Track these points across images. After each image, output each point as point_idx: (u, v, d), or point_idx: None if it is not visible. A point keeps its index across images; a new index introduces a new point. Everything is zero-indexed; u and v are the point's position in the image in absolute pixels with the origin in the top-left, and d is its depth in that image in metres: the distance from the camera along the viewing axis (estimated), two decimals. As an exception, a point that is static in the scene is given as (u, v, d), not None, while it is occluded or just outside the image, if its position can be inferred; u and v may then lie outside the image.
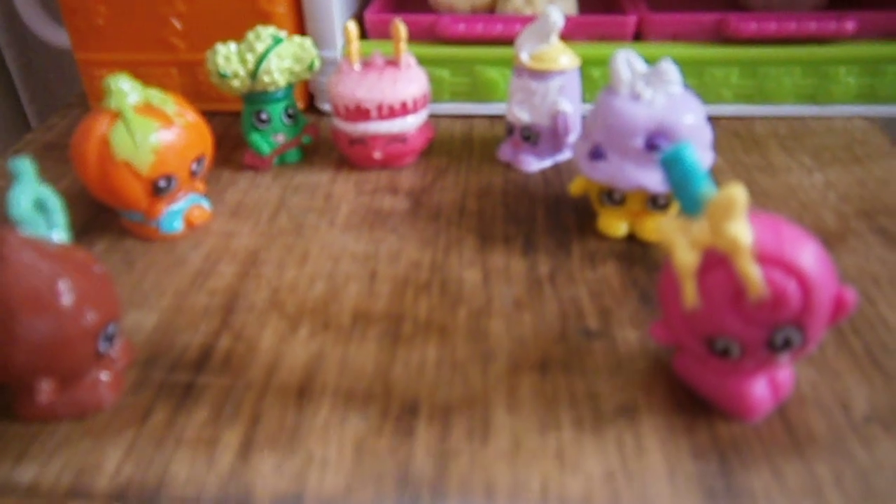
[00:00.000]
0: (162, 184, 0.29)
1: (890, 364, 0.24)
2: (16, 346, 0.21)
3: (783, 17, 0.38)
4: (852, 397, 0.23)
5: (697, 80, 0.39)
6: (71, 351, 0.21)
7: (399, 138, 0.35)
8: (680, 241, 0.20)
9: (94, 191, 0.29)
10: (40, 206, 0.22)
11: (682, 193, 0.21)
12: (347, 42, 0.34)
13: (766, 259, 0.19)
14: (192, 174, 0.30)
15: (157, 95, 0.29)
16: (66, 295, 0.21)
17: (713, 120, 0.39)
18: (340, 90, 0.34)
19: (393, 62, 0.35)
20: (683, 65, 0.38)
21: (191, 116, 0.30)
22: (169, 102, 0.29)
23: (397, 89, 0.33)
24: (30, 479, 0.21)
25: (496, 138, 0.38)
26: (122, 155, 0.28)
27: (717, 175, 0.34)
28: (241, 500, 0.20)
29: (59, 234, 0.22)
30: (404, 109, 0.34)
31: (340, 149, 0.36)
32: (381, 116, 0.34)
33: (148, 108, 0.29)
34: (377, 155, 0.35)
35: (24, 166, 0.22)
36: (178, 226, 0.31)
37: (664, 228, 0.21)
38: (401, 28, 0.34)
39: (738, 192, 0.19)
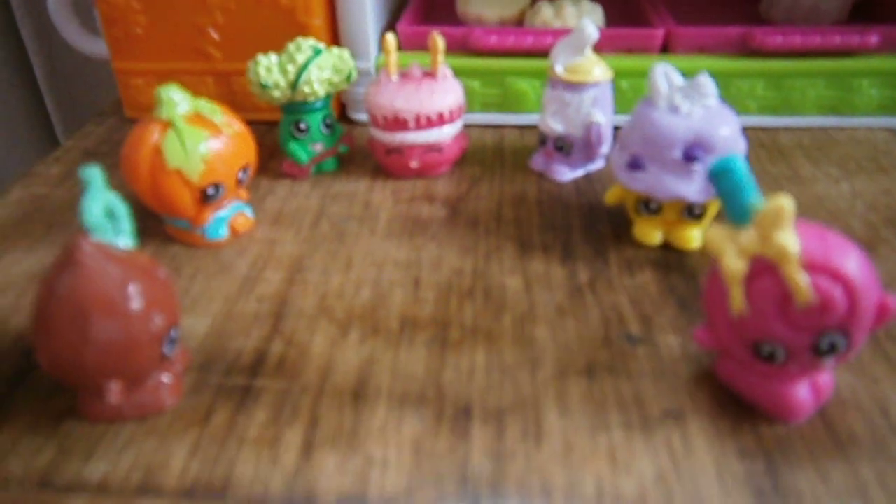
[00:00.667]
0: (210, 191, 0.30)
1: (925, 369, 0.25)
2: (88, 348, 0.21)
3: (808, 30, 0.38)
4: (890, 401, 0.23)
5: (723, 91, 0.39)
6: (139, 353, 0.22)
7: (435, 148, 0.36)
8: (729, 248, 0.21)
9: (145, 198, 0.30)
10: (109, 213, 0.23)
11: (731, 203, 0.21)
12: (385, 53, 0.35)
13: (813, 266, 0.20)
14: (239, 182, 0.31)
15: (205, 105, 0.30)
16: (135, 299, 0.22)
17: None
18: (379, 100, 0.35)
19: (430, 73, 0.35)
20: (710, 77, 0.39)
21: (237, 126, 0.31)
22: (217, 112, 0.30)
23: (434, 100, 0.34)
24: (100, 477, 0.22)
25: (527, 148, 0.39)
26: (173, 163, 0.29)
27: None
28: (307, 498, 0.21)
29: (126, 240, 0.23)
30: (441, 120, 0.35)
31: (377, 158, 0.37)
32: (418, 126, 0.35)
33: (197, 118, 0.30)
34: (414, 164, 0.36)
35: (95, 174, 0.22)
36: (224, 233, 0.32)
37: (712, 236, 0.22)
38: (439, 41, 0.34)
39: (786, 203, 0.20)
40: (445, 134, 0.35)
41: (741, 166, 0.21)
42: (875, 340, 0.26)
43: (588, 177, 0.36)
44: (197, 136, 0.29)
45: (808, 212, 0.33)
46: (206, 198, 0.30)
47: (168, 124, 0.29)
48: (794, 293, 0.20)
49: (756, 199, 0.21)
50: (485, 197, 0.35)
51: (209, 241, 0.32)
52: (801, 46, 0.38)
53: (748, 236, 0.21)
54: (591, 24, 0.33)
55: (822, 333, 0.21)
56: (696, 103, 0.29)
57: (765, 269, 0.21)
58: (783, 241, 0.20)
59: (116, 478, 0.22)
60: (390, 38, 0.35)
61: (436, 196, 0.35)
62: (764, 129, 0.40)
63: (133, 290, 0.22)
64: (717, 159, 0.21)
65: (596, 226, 0.33)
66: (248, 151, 0.31)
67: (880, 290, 0.21)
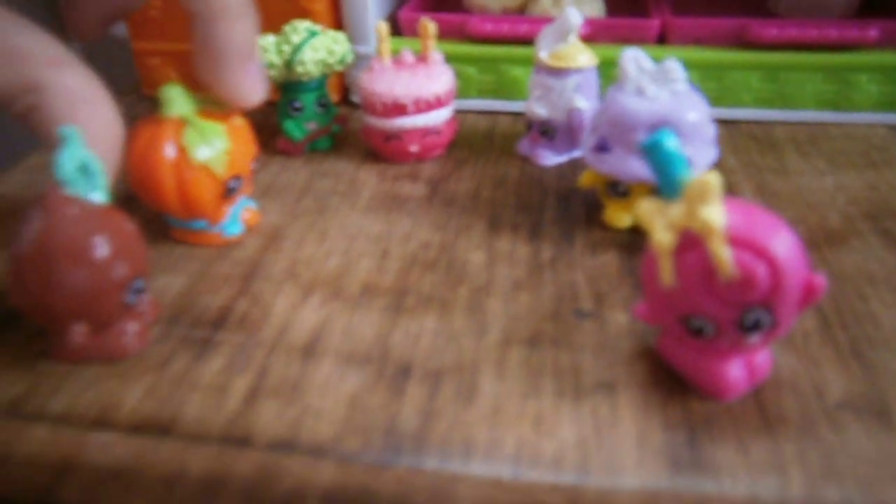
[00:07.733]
0: (233, 184, 0.30)
1: (871, 356, 0.24)
2: (53, 292, 0.23)
3: (804, 23, 0.38)
4: (828, 385, 0.23)
5: (718, 83, 0.39)
6: (101, 299, 0.24)
7: (434, 130, 0.36)
8: (658, 221, 0.22)
9: (168, 201, 0.29)
10: (83, 170, 0.24)
11: (661, 177, 0.22)
12: (379, 41, 0.36)
13: (738, 242, 0.21)
14: (252, 173, 0.32)
15: (207, 99, 0.30)
16: (99, 248, 0.23)
17: (733, 123, 0.40)
18: (377, 87, 0.35)
19: (422, 58, 0.36)
20: (705, 68, 0.39)
21: (238, 120, 0.31)
22: (220, 105, 0.30)
23: (431, 84, 0.35)
24: (61, 410, 0.23)
25: (517, 134, 0.40)
26: (200, 158, 0.29)
27: (728, 174, 0.35)
28: (241, 440, 0.22)
29: (99, 195, 0.25)
30: (438, 103, 0.36)
31: (374, 145, 0.37)
32: (417, 111, 0.36)
33: (205, 113, 0.30)
34: (413, 148, 0.37)
35: (72, 132, 0.24)
36: (239, 228, 0.32)
37: (644, 210, 0.22)
38: (429, 26, 0.35)
39: (712, 177, 0.20)
40: (442, 117, 0.36)
41: (670, 141, 0.21)
42: (826, 326, 0.26)
43: (571, 162, 0.37)
44: (214, 129, 0.29)
45: (786, 202, 0.33)
46: (229, 191, 0.30)
47: (181, 122, 0.29)
48: (717, 267, 0.21)
49: (686, 173, 0.21)
50: (467, 178, 0.36)
51: (227, 238, 0.31)
52: (797, 39, 0.38)
53: (677, 210, 0.21)
54: (574, 12, 0.34)
55: (746, 309, 0.21)
56: (664, 88, 0.29)
57: (692, 242, 0.21)
58: (708, 215, 0.21)
59: (75, 412, 0.23)
60: (382, 25, 0.36)
61: (419, 176, 0.36)
62: (758, 123, 0.40)
63: (98, 239, 0.23)
64: (650, 135, 0.22)
65: (569, 208, 0.33)
66: (253, 142, 0.31)
67: (807, 270, 0.21)
